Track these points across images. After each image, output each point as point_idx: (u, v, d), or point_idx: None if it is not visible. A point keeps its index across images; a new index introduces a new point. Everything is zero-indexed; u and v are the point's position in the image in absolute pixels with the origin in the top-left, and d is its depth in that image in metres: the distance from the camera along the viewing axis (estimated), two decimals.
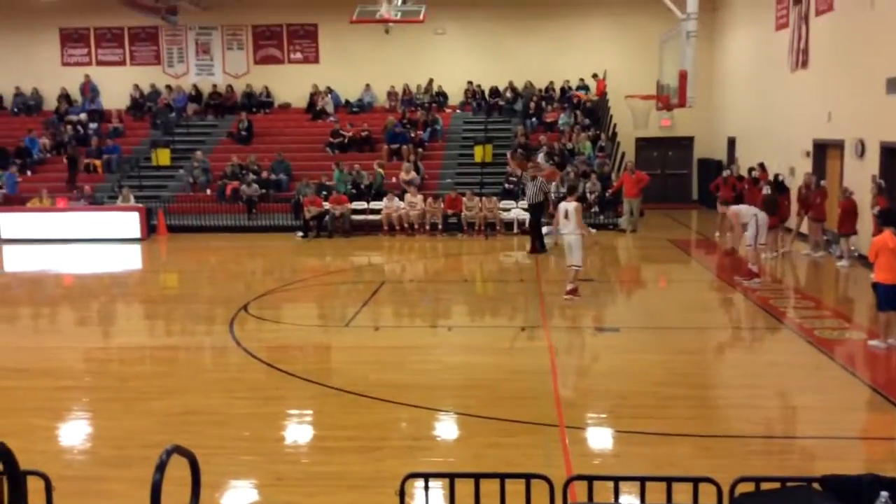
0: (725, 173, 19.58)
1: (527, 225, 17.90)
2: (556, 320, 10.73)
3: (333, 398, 7.53)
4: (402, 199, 20.15)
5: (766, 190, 15.07)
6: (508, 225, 19.70)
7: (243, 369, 8.67)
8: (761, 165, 18.14)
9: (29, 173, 22.64)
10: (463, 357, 9.08)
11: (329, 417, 7.10)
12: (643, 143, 25.30)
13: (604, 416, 7.17)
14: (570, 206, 11.69)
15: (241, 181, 21.32)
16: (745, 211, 13.45)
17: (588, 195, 19.85)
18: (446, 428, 6.95)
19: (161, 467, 3.10)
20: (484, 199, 19.98)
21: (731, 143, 23.20)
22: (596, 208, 19.99)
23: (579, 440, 6.49)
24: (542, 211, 17.13)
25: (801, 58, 17.71)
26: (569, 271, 11.81)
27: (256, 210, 20.97)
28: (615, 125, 23.04)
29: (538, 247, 16.66)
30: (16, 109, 25.84)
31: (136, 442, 6.42)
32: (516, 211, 19.81)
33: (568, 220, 11.64)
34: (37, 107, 25.89)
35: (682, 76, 15.39)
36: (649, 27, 21.64)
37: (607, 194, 20.20)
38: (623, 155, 21.90)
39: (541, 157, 21.00)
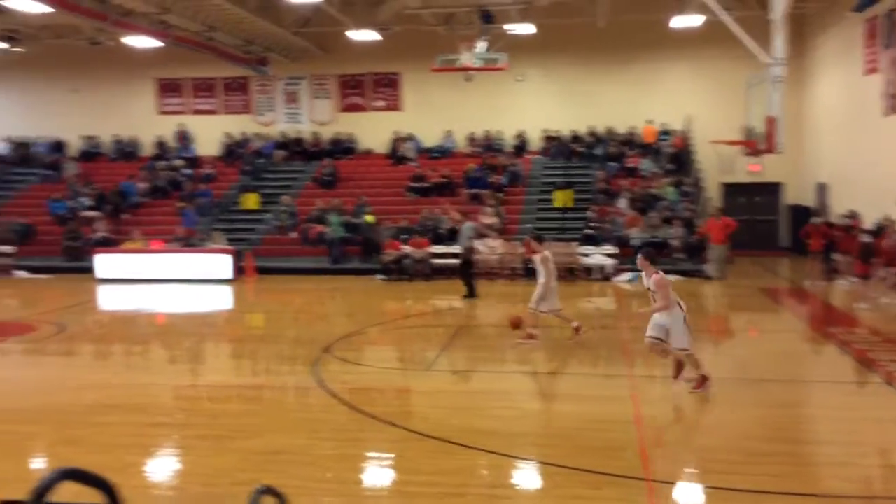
0: (816, 220, 18.99)
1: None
2: (640, 369, 10.51)
3: (414, 442, 7.52)
4: (482, 243, 20.21)
5: (865, 238, 14.53)
6: (589, 270, 19.51)
7: (326, 410, 8.76)
8: (853, 213, 17.53)
9: (126, 216, 23.71)
10: (544, 404, 8.97)
11: (410, 462, 7.08)
12: (730, 189, 24.81)
13: (692, 470, 6.94)
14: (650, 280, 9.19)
15: (324, 224, 21.80)
16: None
17: (673, 241, 19.53)
18: (528, 477, 6.84)
19: None
20: (564, 244, 19.87)
21: (821, 189, 22.52)
22: (681, 254, 19.62)
23: (666, 495, 6.29)
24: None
25: (894, 102, 17.16)
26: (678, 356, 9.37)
27: (339, 253, 21.36)
28: (700, 170, 22.69)
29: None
30: (114, 156, 27.18)
31: (225, 479, 6.54)
32: (597, 256, 19.61)
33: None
34: (134, 153, 27.18)
35: (770, 122, 15.12)
36: (734, 71, 21.36)
37: (693, 240, 19.82)
38: (708, 200, 21.51)
39: (622, 204, 20.83)
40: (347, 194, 23.45)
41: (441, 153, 25.75)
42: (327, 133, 26.72)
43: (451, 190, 23.54)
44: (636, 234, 20.20)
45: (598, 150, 24.58)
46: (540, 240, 12.55)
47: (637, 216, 20.83)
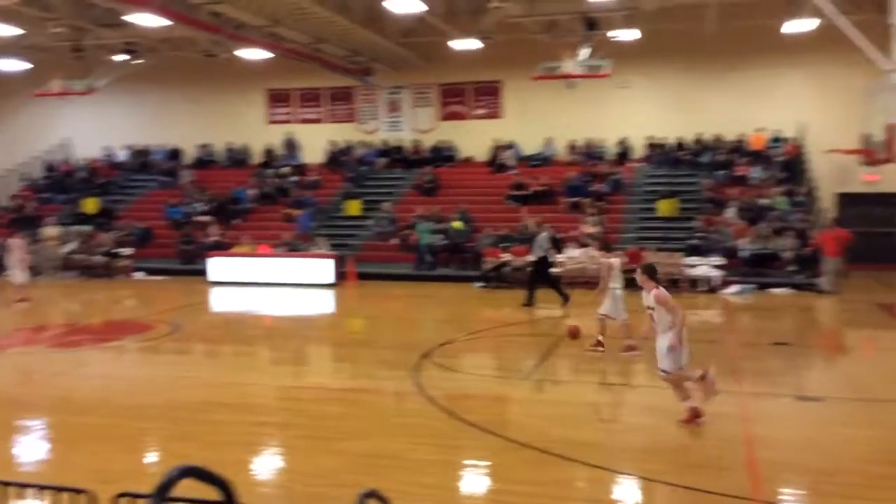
0: None
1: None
2: (749, 385, 10.13)
3: (512, 451, 7.48)
4: (582, 252, 19.97)
5: None
6: (694, 282, 18.97)
7: (425, 416, 8.82)
8: None
9: (237, 221, 24.64)
10: (647, 418, 8.75)
11: (508, 471, 7.05)
12: (845, 199, 23.65)
13: (804, 492, 6.64)
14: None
15: (438, 232, 21.97)
16: None
17: (784, 253, 18.79)
18: (629, 492, 6.71)
19: None
20: (667, 254, 19.41)
21: None
22: (793, 267, 18.85)
23: None
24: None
25: None
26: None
27: (438, 260, 21.55)
28: (813, 179, 21.76)
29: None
30: (227, 163, 28.30)
31: (328, 480, 6.68)
32: (704, 268, 19.06)
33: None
34: (244, 161, 28.23)
35: (891, 130, 14.35)
36: (850, 77, 20.42)
37: (806, 252, 19.00)
38: (822, 211, 20.59)
39: (730, 213, 20.19)
40: (447, 202, 23.62)
41: (541, 161, 25.62)
42: (428, 141, 27.01)
43: (550, 198, 23.37)
44: (745, 245, 19.53)
45: (705, 158, 23.90)
46: (609, 248, 12.59)
47: (746, 226, 20.14)
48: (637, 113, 25.09)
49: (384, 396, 10.02)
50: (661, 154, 24.58)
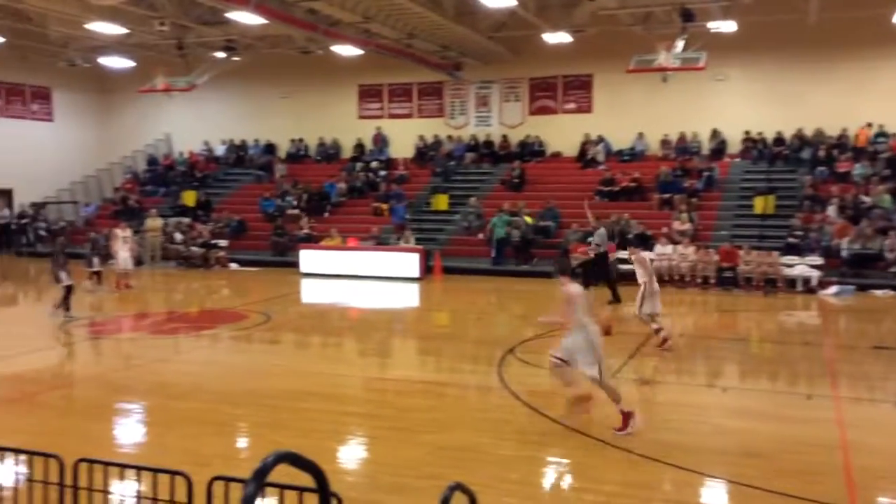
0: None
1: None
2: (846, 390, 9.71)
3: (597, 450, 7.39)
4: (673, 249, 19.54)
5: None
6: (791, 282, 18.30)
7: (509, 411, 8.80)
8: None
9: (327, 214, 25.15)
10: (738, 421, 8.50)
11: (593, 470, 6.96)
12: None
13: None
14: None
15: (511, 226, 21.95)
16: None
17: (888, 253, 17.91)
18: (719, 496, 6.53)
19: (444, 502, 3.22)
20: (763, 253, 18.77)
21: None
22: None
23: None
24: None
25: None
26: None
27: (507, 254, 21.45)
28: None
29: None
30: (318, 158, 28.91)
31: (412, 472, 6.75)
32: (801, 267, 18.36)
33: None
34: (336, 155, 28.76)
35: None
36: None
37: None
38: None
39: (831, 211, 19.39)
40: (535, 197, 23.48)
41: (632, 156, 25.16)
42: (516, 136, 26.90)
43: (641, 194, 22.93)
44: (846, 245, 18.70)
45: (805, 154, 22.98)
46: (637, 244, 12.75)
47: (847, 225, 19.28)
48: (733, 107, 24.32)
49: (468, 390, 10.06)
50: (758, 149, 23.76)
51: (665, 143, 24.97)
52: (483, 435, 7.81)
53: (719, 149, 24.41)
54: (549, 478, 6.92)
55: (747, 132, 24.03)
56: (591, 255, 17.28)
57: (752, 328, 14.98)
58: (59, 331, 13.67)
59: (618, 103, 25.45)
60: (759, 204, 21.23)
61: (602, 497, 6.29)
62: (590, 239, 17.81)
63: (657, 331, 11.77)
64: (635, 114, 25.12)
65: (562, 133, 26.23)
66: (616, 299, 16.57)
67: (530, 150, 26.38)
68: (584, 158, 25.36)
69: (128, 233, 19.35)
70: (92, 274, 18.18)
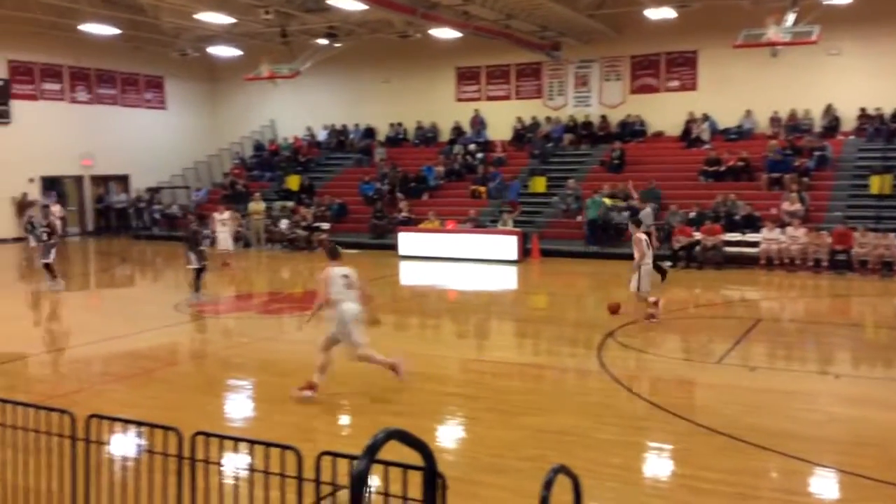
0: None
1: None
2: None
3: (702, 437, 7.23)
4: (783, 232, 18.79)
5: None
6: None
7: (610, 395, 8.71)
8: None
9: (426, 197, 25.36)
10: (853, 409, 8.14)
11: (698, 457, 6.81)
12: None
13: None
14: None
15: (608, 209, 21.59)
16: None
17: None
18: (829, 486, 6.28)
19: (548, 485, 3.22)
20: (880, 234, 17.82)
21: None
22: None
23: None
24: None
25: None
26: None
27: (624, 238, 21.07)
28: None
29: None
30: (417, 141, 29.17)
31: (512, 453, 6.77)
32: None
33: None
34: (434, 138, 28.94)
35: None
36: None
37: None
38: None
39: None
40: (636, 178, 22.98)
41: (739, 134, 24.26)
42: (616, 116, 26.37)
43: (749, 174, 22.12)
44: None
45: None
46: (638, 223, 13.16)
47: None
48: (847, 82, 23.07)
49: (567, 373, 10.00)
50: (874, 126, 22.50)
51: (774, 120, 23.96)
52: (583, 419, 7.76)
53: (832, 126, 23.25)
54: (651, 463, 6.82)
55: (863, 108, 22.79)
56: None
57: (867, 313, 14.32)
58: (174, 310, 14.35)
59: (724, 80, 24.57)
60: (876, 183, 20.14)
61: (707, 484, 6.15)
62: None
63: (655, 303, 12.32)
64: (742, 91, 24.20)
65: (664, 112, 25.55)
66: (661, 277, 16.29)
67: (631, 130, 25.81)
68: (688, 138, 24.65)
69: (226, 215, 20.09)
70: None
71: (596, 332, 11.73)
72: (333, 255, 9.04)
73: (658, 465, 6.80)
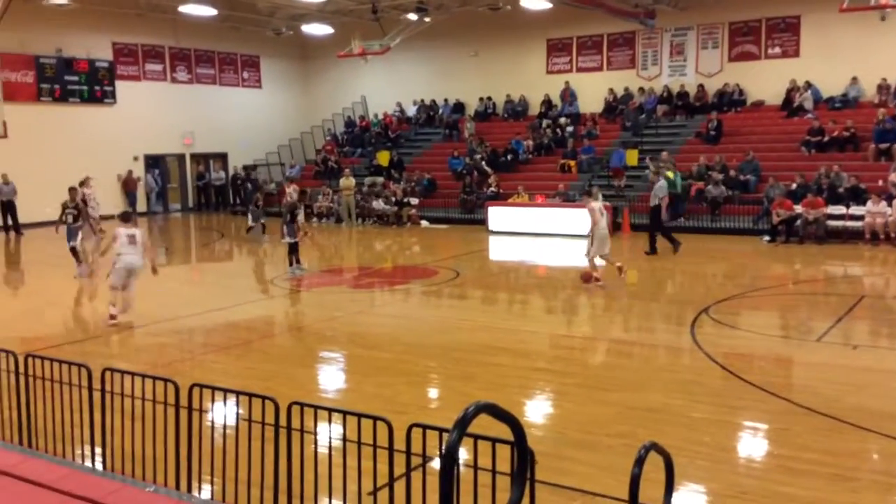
0: None
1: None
2: None
3: (800, 416, 7.00)
4: (889, 204, 17.87)
5: None
6: None
7: (702, 373, 8.52)
8: None
9: (514, 171, 25.24)
10: None
11: (796, 437, 6.60)
12: None
13: None
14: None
15: (706, 181, 21.00)
16: None
17: None
18: None
19: (640, 462, 3.20)
20: None
21: None
22: None
23: None
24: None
25: None
26: None
27: (721, 211, 20.48)
28: None
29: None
30: (506, 115, 28.98)
31: (601, 429, 6.73)
32: None
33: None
34: (523, 112, 28.69)
35: None
36: None
37: None
38: None
39: None
40: (733, 150, 22.26)
41: (844, 103, 23.10)
42: (714, 85, 25.51)
43: (854, 145, 21.08)
44: None
45: None
46: (589, 193, 14.35)
47: None
48: None
49: (658, 350, 9.84)
50: None
51: (882, 88, 22.68)
52: (674, 396, 7.63)
53: None
54: (745, 443, 6.65)
55: None
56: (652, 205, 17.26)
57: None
58: (270, 284, 14.81)
59: (828, 46, 23.40)
60: None
61: (803, 465, 5.97)
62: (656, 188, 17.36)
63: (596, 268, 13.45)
64: (848, 57, 22.99)
65: (765, 80, 24.56)
66: (652, 250, 16.96)
67: (729, 100, 24.94)
68: (790, 107, 23.64)
69: (291, 189, 21.08)
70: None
71: (689, 308, 11.48)
72: (124, 219, 11.39)
73: (752, 444, 6.64)
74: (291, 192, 20.46)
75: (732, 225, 19.88)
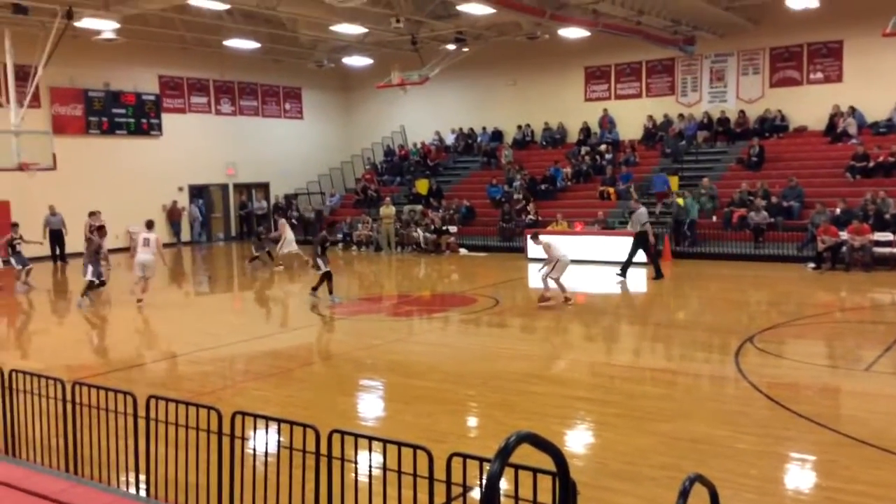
0: None
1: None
2: None
3: (848, 448, 6.83)
4: None
5: None
6: None
7: (747, 403, 8.36)
8: None
9: (553, 199, 25.18)
10: None
11: (844, 469, 6.44)
12: None
13: None
14: None
15: (748, 208, 20.75)
16: None
17: None
18: None
19: (684, 494, 3.15)
20: None
21: None
22: None
23: None
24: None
25: None
26: None
27: (764, 238, 20.19)
28: None
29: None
30: (544, 143, 29.02)
31: (644, 460, 6.63)
32: None
33: None
34: (561, 139, 28.70)
35: None
36: None
37: None
38: None
39: None
40: (776, 175, 21.99)
41: (889, 128, 22.70)
42: (755, 111, 25.27)
43: None
44: None
45: None
46: (536, 237, 15.90)
47: None
48: None
49: (701, 380, 9.69)
50: None
51: None
52: (719, 427, 7.50)
53: None
54: (792, 475, 6.50)
55: None
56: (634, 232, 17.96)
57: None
58: (309, 312, 14.93)
59: (872, 71, 23.08)
60: None
61: (851, 497, 5.82)
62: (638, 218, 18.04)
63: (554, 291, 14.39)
64: (892, 82, 22.65)
65: (807, 106, 24.28)
66: (658, 275, 17.38)
67: (771, 126, 24.67)
68: (833, 132, 23.31)
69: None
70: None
71: (733, 337, 11.31)
72: (148, 226, 15.66)
73: (799, 476, 6.48)
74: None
75: (776, 252, 19.59)
